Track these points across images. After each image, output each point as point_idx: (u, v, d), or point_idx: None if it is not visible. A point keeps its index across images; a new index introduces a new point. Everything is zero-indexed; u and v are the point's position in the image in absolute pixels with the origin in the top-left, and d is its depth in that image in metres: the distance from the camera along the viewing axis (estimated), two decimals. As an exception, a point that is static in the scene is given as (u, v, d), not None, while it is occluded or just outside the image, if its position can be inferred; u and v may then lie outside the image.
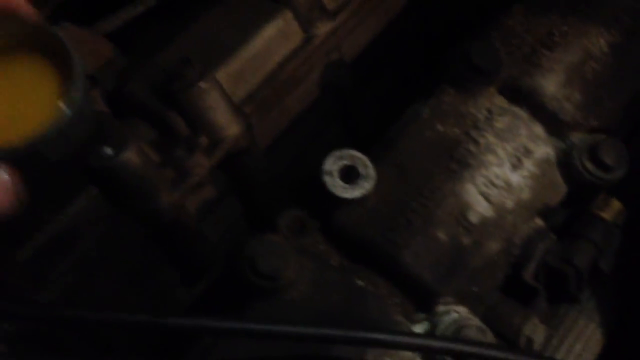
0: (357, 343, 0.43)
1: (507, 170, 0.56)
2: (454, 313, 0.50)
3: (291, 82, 0.72)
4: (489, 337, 0.48)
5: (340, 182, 0.53)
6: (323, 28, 0.73)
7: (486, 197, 0.54)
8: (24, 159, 0.35)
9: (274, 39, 0.70)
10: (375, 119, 0.84)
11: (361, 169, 0.54)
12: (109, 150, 0.58)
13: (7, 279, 0.53)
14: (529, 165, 0.56)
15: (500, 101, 0.59)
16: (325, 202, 0.54)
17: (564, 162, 0.57)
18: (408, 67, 0.82)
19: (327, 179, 0.53)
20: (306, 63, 0.72)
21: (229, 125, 0.64)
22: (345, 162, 0.54)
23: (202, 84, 0.62)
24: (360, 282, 0.51)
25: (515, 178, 0.56)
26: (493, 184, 0.55)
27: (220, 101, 0.64)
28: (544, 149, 0.57)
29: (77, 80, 0.37)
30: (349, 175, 0.54)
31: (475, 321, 0.49)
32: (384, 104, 0.84)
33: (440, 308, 0.50)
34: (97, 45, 0.75)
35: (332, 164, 0.54)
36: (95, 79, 0.69)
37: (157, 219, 0.62)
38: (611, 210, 0.54)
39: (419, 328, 0.50)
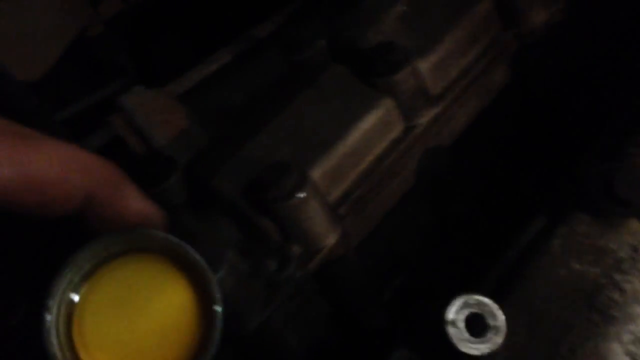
0: None
1: (656, 324, 0.49)
2: None
3: (389, 176, 0.66)
4: None
5: (467, 336, 0.47)
6: (426, 116, 0.66)
7: (632, 358, 0.47)
8: None
9: (373, 131, 0.64)
10: (470, 206, 0.77)
11: (490, 320, 0.47)
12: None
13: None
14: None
15: (643, 234, 0.52)
16: (446, 351, 0.48)
17: None
18: (507, 154, 0.75)
19: (452, 330, 0.47)
20: (406, 154, 0.66)
21: (326, 235, 0.59)
22: (472, 310, 0.48)
23: (300, 195, 0.56)
24: None
25: (665, 336, 0.49)
26: (640, 341, 0.48)
27: (318, 210, 0.58)
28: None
29: (219, 298, 0.32)
30: (475, 324, 0.48)
31: None
32: (476, 187, 0.78)
33: None
34: (169, 111, 0.70)
35: (457, 313, 0.47)
36: (175, 161, 0.64)
37: (244, 338, 0.57)
38: None
39: None
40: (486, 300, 0.48)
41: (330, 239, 0.59)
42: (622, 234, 0.51)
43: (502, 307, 0.48)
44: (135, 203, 0.33)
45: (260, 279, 0.57)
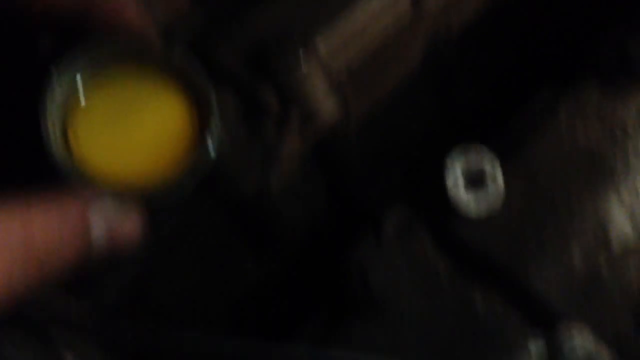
0: None
1: (657, 184, 0.49)
2: (578, 338, 0.45)
3: (394, 57, 0.65)
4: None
5: (465, 194, 0.47)
6: (434, 3, 0.64)
7: (631, 216, 0.48)
8: (160, 199, 0.32)
9: (381, 10, 0.62)
10: (476, 96, 0.76)
11: (489, 179, 0.47)
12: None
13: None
14: (682, 180, 0.49)
15: (653, 101, 0.51)
16: (443, 208, 0.48)
17: None
18: (520, 45, 0.73)
19: (451, 189, 0.47)
20: (413, 39, 0.65)
21: (325, 106, 0.59)
22: (471, 167, 0.48)
23: (304, 68, 0.55)
24: (477, 299, 0.46)
25: (665, 195, 0.49)
26: (640, 202, 0.48)
27: (318, 80, 0.57)
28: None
29: (216, 113, 0.32)
30: (475, 184, 0.48)
31: (604, 353, 0.44)
32: (486, 80, 0.76)
33: (564, 330, 0.45)
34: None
35: (457, 169, 0.48)
36: (175, 37, 0.64)
37: (240, 201, 0.58)
38: None
39: (534, 347, 0.46)
40: (486, 159, 0.48)
41: (329, 110, 0.58)
42: (630, 99, 0.51)
43: (503, 169, 0.48)
44: (135, 14, 0.33)
45: (259, 146, 0.57)
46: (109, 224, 0.32)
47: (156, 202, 0.32)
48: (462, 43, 0.70)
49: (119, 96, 0.34)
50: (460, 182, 0.47)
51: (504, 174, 0.48)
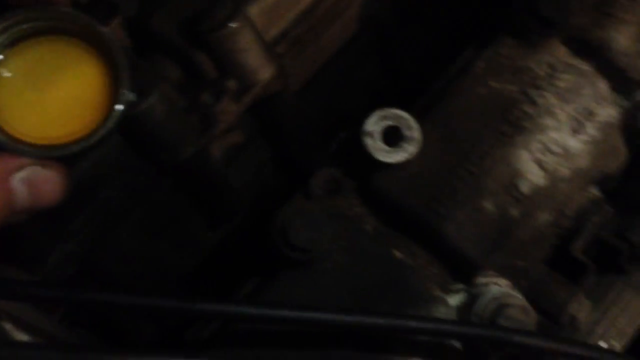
0: (385, 330, 0.41)
1: (565, 134, 0.51)
2: (495, 286, 0.47)
3: (328, 18, 0.66)
4: (532, 318, 0.45)
5: (382, 145, 0.49)
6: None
7: (540, 165, 0.50)
8: (75, 156, 0.35)
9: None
10: (419, 59, 0.78)
11: (405, 131, 0.49)
12: (131, 96, 0.55)
13: (23, 229, 0.52)
14: (590, 129, 0.51)
15: (564, 55, 0.53)
16: (364, 163, 0.50)
17: (627, 124, 0.52)
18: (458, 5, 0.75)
19: (368, 141, 0.49)
20: (347, 4, 0.66)
21: (261, 69, 0.60)
22: (388, 122, 0.50)
23: (233, 25, 0.56)
24: (397, 253, 0.48)
25: (574, 143, 0.51)
26: (549, 150, 0.50)
27: (253, 43, 0.58)
28: (608, 111, 0.52)
29: (127, 78, 0.34)
30: (392, 136, 0.50)
31: (517, 299, 0.47)
32: (429, 42, 0.78)
33: (480, 280, 0.48)
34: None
35: (375, 125, 0.49)
36: (116, 6, 0.64)
37: (181, 168, 0.59)
38: (677, 183, 0.49)
39: (455, 299, 0.48)
40: (403, 113, 0.50)
41: (265, 73, 0.60)
42: (542, 53, 0.53)
43: (421, 123, 0.50)
44: None
45: (196, 113, 0.59)
46: (30, 184, 0.35)
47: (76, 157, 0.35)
48: (398, 8, 0.71)
49: (38, 63, 0.37)
50: (378, 137, 0.49)
51: (423, 127, 0.50)
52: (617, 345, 0.51)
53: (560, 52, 0.53)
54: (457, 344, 0.47)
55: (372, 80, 0.76)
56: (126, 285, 0.62)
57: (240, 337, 0.45)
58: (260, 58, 0.60)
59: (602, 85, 0.53)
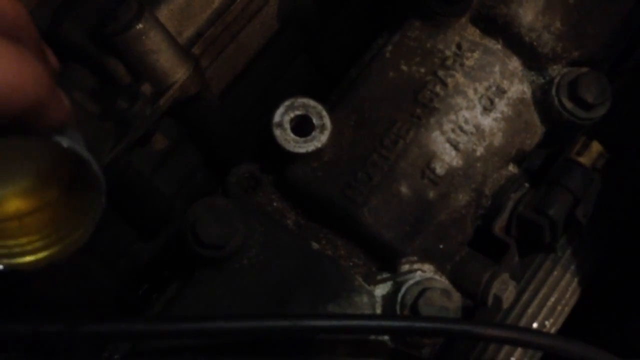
0: (298, 332, 0.40)
1: (477, 113, 0.50)
2: (419, 272, 0.47)
3: (245, 16, 0.65)
4: (454, 299, 0.44)
5: (292, 136, 0.48)
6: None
7: (454, 145, 0.49)
8: None
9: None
10: (344, 51, 0.77)
11: (315, 120, 0.48)
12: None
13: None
14: (502, 106, 0.51)
15: (472, 34, 0.53)
16: (278, 156, 0.49)
17: (541, 100, 0.52)
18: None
19: (278, 133, 0.48)
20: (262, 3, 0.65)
21: (174, 70, 0.58)
22: (297, 112, 0.49)
23: (140, 25, 0.55)
24: (316, 245, 0.47)
25: (486, 122, 0.50)
26: (462, 130, 0.50)
27: (162, 43, 0.57)
28: (519, 87, 0.52)
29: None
30: (303, 126, 0.49)
31: (440, 282, 0.46)
32: (356, 36, 0.77)
33: (405, 267, 0.47)
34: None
35: (283, 115, 0.48)
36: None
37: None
38: (590, 154, 0.49)
39: (380, 289, 0.47)
40: (311, 101, 0.49)
41: (180, 74, 0.58)
42: (449, 34, 0.52)
43: (333, 110, 0.49)
44: None
45: (111, 119, 0.57)
46: None
47: None
48: (317, 2, 0.71)
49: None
50: (288, 128, 0.48)
51: (335, 114, 0.49)
52: (551, 325, 0.51)
53: (469, 32, 0.53)
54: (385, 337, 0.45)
55: (301, 76, 0.75)
56: (60, 307, 0.59)
57: (154, 356, 0.43)
58: (172, 59, 0.58)
59: (513, 62, 0.53)
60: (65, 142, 0.34)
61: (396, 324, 0.40)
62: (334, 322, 0.39)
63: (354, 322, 0.40)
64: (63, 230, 0.36)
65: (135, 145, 0.58)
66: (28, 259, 0.35)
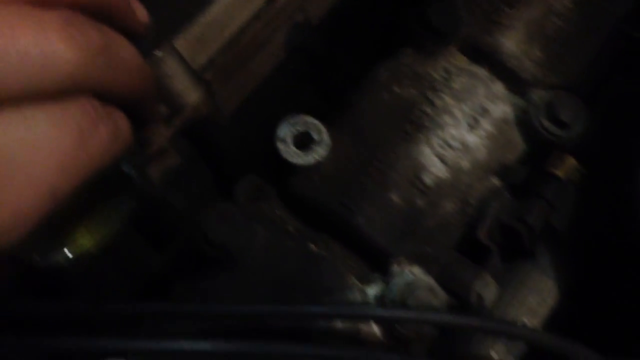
0: (294, 318, 0.44)
1: (463, 130, 0.55)
2: (408, 274, 0.51)
3: (254, 46, 0.71)
4: (440, 297, 0.48)
5: (293, 149, 0.53)
6: (289, -1, 0.71)
7: (441, 159, 0.54)
8: None
9: (234, 2, 0.68)
10: (348, 81, 0.83)
11: (315, 135, 0.54)
12: None
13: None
14: (485, 124, 0.56)
15: (460, 60, 0.58)
16: (281, 169, 0.54)
17: (523, 120, 0.57)
18: (385, 26, 0.81)
19: (281, 146, 0.53)
20: (269, 25, 0.71)
21: (188, 92, 0.64)
22: (298, 128, 0.54)
23: (158, 53, 0.61)
24: (314, 247, 0.52)
25: (471, 138, 0.55)
26: (449, 145, 0.55)
27: (177, 68, 0.63)
28: (502, 108, 0.57)
29: None
30: (303, 141, 0.54)
31: (427, 281, 0.50)
32: (360, 67, 0.83)
33: (395, 268, 0.51)
34: None
35: (285, 130, 0.54)
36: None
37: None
38: (565, 167, 0.54)
39: (372, 289, 0.51)
40: (311, 119, 0.54)
41: (193, 97, 0.64)
42: (438, 60, 0.58)
43: (331, 128, 0.54)
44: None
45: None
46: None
47: None
48: (324, 32, 0.77)
49: None
50: (290, 142, 0.53)
51: (333, 132, 0.54)
52: (530, 324, 0.54)
53: (457, 59, 0.58)
54: (376, 329, 0.49)
55: (305, 102, 0.81)
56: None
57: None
58: (186, 82, 0.64)
59: (497, 86, 0.58)
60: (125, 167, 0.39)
61: (385, 312, 0.45)
62: (328, 309, 0.44)
63: (347, 309, 0.44)
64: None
65: (151, 161, 0.64)
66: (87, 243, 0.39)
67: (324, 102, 0.83)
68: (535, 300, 0.54)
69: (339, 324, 0.48)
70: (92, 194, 0.41)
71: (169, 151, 0.67)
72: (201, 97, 0.65)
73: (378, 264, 0.52)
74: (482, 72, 0.58)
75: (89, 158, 0.30)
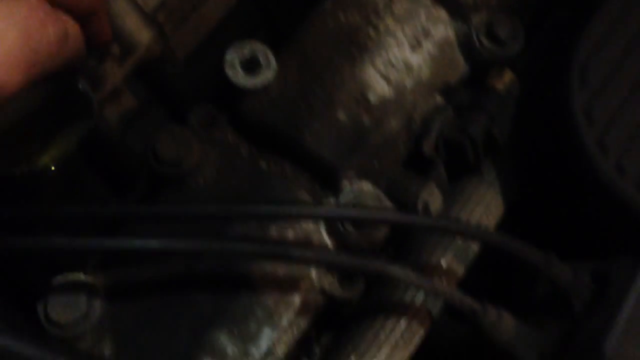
0: (257, 218, 0.46)
1: (406, 51, 0.57)
2: (357, 188, 0.53)
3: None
4: (385, 204, 0.51)
5: (241, 73, 0.54)
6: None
7: (385, 78, 0.56)
8: None
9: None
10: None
11: (262, 59, 0.55)
12: None
13: None
14: (428, 46, 0.58)
15: (402, -12, 0.60)
16: (231, 94, 0.56)
17: (464, 42, 0.59)
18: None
19: (229, 72, 0.55)
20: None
21: (140, 32, 0.65)
22: (245, 52, 0.55)
23: (110, -2, 0.61)
24: (265, 166, 0.53)
25: (414, 59, 0.57)
26: (392, 65, 0.57)
27: (128, 8, 0.64)
28: (444, 31, 0.59)
29: None
30: (251, 66, 0.55)
31: (375, 192, 0.52)
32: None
33: (345, 184, 0.53)
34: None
35: (233, 55, 0.55)
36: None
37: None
38: (504, 80, 0.56)
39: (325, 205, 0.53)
40: (258, 44, 0.56)
41: (145, 35, 0.65)
42: (381, -14, 0.59)
43: (280, 53, 0.56)
44: None
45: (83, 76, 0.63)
46: None
47: None
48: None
49: None
50: (238, 66, 0.55)
51: (281, 57, 0.56)
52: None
53: (398, -13, 0.60)
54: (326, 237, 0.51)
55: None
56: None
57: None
58: (138, 22, 0.65)
59: (438, 11, 0.60)
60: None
61: (337, 211, 0.46)
62: (278, 208, 0.46)
63: (297, 209, 0.46)
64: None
65: (105, 103, 0.64)
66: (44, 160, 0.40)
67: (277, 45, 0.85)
68: (481, 211, 0.56)
69: (290, 232, 0.50)
70: (51, 113, 0.42)
71: (124, 92, 0.68)
72: (153, 37, 0.66)
73: (329, 182, 0.54)
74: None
75: (34, 55, 0.31)
